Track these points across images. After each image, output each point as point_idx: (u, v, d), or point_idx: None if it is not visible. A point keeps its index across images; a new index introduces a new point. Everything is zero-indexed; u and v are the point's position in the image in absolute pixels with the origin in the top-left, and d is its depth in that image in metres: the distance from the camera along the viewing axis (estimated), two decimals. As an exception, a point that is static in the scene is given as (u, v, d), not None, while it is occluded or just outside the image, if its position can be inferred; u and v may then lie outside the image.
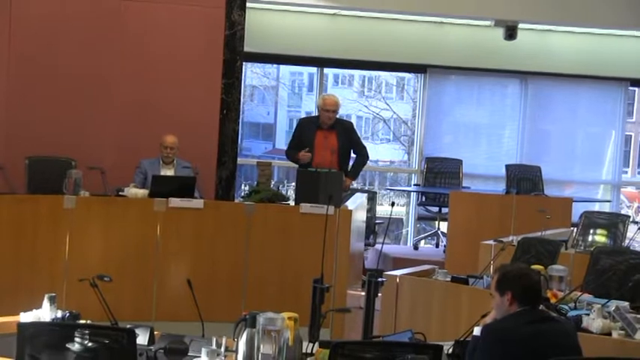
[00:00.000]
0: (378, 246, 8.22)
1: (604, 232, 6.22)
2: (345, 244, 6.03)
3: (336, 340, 3.86)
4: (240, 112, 8.06)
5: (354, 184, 8.34)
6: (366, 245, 7.87)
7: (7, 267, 5.75)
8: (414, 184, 10.05)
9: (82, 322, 3.47)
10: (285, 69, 11.44)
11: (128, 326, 3.13)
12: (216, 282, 5.97)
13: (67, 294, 5.50)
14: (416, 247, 9.55)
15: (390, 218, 6.55)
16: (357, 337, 5.03)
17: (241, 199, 6.67)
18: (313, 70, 10.33)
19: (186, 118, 7.23)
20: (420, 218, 10.13)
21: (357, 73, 11.63)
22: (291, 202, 6.35)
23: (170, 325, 4.72)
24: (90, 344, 2.80)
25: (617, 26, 9.77)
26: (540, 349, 3.25)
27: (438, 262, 7.14)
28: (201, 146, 7.23)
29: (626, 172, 11.34)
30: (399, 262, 7.86)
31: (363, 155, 7.34)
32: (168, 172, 6.70)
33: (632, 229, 6.38)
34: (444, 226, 9.03)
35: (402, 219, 10.88)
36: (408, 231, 10.44)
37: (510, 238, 6.09)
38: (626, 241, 6.18)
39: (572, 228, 6.83)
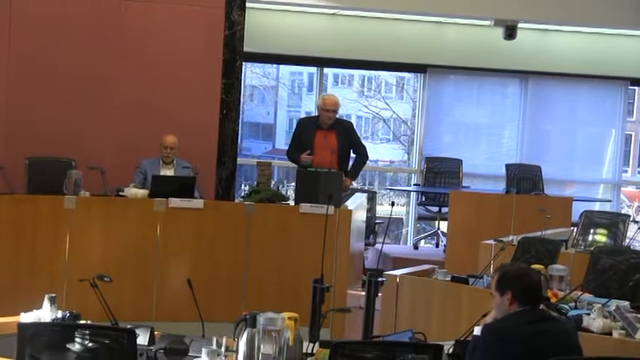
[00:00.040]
0: (378, 246, 8.22)
1: (604, 231, 6.22)
2: (345, 244, 6.03)
3: (337, 340, 3.86)
4: (240, 112, 8.06)
5: (354, 184, 8.34)
6: (366, 245, 7.87)
7: (7, 267, 5.75)
8: (414, 184, 10.05)
9: (83, 322, 3.46)
10: (285, 69, 11.44)
11: (128, 326, 3.13)
12: (217, 282, 5.97)
13: (67, 294, 5.50)
14: (416, 247, 9.55)
15: (390, 218, 6.55)
16: (357, 337, 5.03)
17: (241, 199, 6.67)
18: (313, 70, 10.33)
19: (186, 118, 7.23)
20: (420, 218, 10.13)
21: (356, 73, 11.63)
22: (291, 202, 6.35)
23: (170, 325, 4.72)
24: (90, 344, 2.79)
25: (617, 25, 9.77)
26: (541, 349, 3.25)
27: (438, 261, 7.14)
28: (201, 146, 7.23)
29: (627, 172, 11.35)
30: (399, 262, 7.86)
31: (362, 155, 7.34)
32: (168, 172, 6.70)
33: (632, 229, 6.38)
34: (444, 226, 9.03)
35: (402, 219, 10.88)
36: (408, 231, 10.44)
37: (510, 237, 6.09)
38: (627, 241, 6.18)
39: (572, 227, 6.83)
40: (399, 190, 10.91)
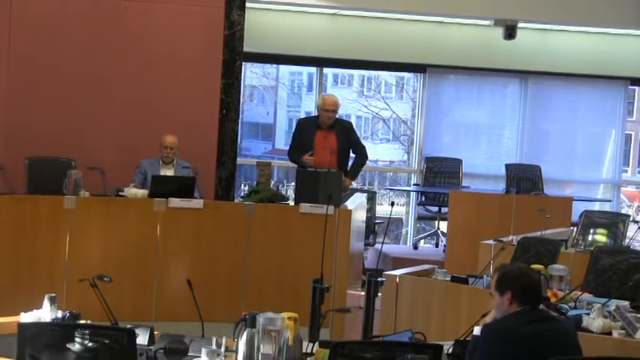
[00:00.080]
0: (377, 246, 8.21)
1: (604, 231, 6.22)
2: (344, 244, 6.03)
3: (336, 339, 3.86)
4: (240, 112, 8.06)
5: (354, 184, 8.34)
6: (365, 245, 7.87)
7: (7, 267, 5.75)
8: (414, 184, 10.05)
9: (82, 322, 3.47)
10: (285, 69, 11.44)
11: (128, 326, 3.13)
12: (216, 282, 5.97)
13: (67, 294, 5.50)
14: (416, 247, 9.55)
15: (389, 218, 6.55)
16: (356, 336, 5.04)
17: (241, 199, 6.67)
18: (313, 70, 10.33)
19: (185, 118, 7.24)
20: (419, 218, 10.13)
21: (356, 73, 11.63)
22: (291, 202, 6.35)
23: (170, 325, 4.72)
24: (90, 344, 2.80)
25: (617, 25, 9.77)
26: (540, 349, 3.25)
27: (438, 261, 7.14)
28: (200, 146, 7.23)
29: (627, 171, 11.35)
30: (399, 262, 7.86)
31: (362, 155, 7.34)
32: (168, 172, 6.70)
33: (632, 229, 6.39)
34: (443, 226, 9.03)
35: (401, 219, 10.88)
36: (407, 231, 10.44)
37: (510, 237, 6.09)
38: (627, 241, 6.18)
39: (572, 227, 6.83)
40: (399, 190, 10.91)
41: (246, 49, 7.67)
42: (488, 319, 3.54)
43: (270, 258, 6.09)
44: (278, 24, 9.61)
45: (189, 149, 6.87)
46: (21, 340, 2.83)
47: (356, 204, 6.46)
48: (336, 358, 2.89)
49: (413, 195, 10.09)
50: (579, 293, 4.60)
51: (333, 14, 9.72)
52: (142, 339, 3.45)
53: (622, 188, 10.88)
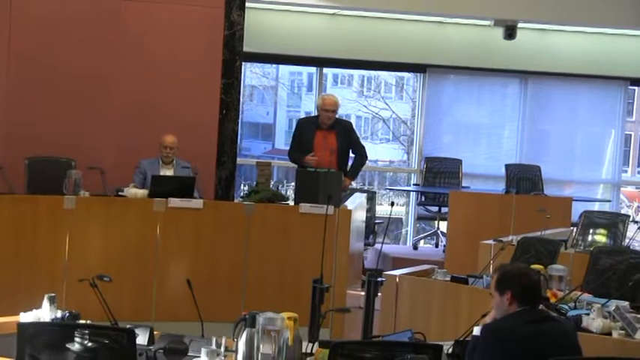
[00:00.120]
0: (377, 246, 8.21)
1: (604, 231, 6.22)
2: (344, 244, 6.03)
3: (336, 340, 3.86)
4: (240, 112, 8.06)
5: (354, 184, 8.34)
6: (365, 245, 7.87)
7: (6, 267, 5.75)
8: (414, 184, 10.05)
9: (82, 322, 3.47)
10: (285, 69, 11.44)
11: (128, 326, 3.13)
12: (216, 282, 5.97)
13: (66, 294, 5.50)
14: (415, 247, 9.55)
15: (389, 218, 6.55)
16: (356, 337, 5.04)
17: (241, 199, 6.67)
18: (312, 70, 10.33)
19: (185, 118, 7.23)
20: (419, 218, 10.14)
21: (356, 73, 11.63)
22: (291, 202, 6.35)
23: (170, 325, 4.72)
24: (90, 344, 2.80)
25: (617, 25, 9.77)
26: (540, 349, 3.25)
27: (438, 261, 7.14)
28: (200, 146, 7.23)
29: (626, 172, 11.35)
30: (399, 262, 7.86)
31: (361, 155, 7.33)
32: (168, 172, 6.70)
33: (632, 229, 6.39)
34: (443, 226, 9.03)
35: (401, 219, 10.88)
36: (407, 231, 10.45)
37: (510, 237, 6.09)
38: (626, 241, 6.18)
39: (571, 227, 6.83)
40: (399, 190, 10.91)
41: (246, 49, 7.67)
42: (488, 319, 3.54)
43: (269, 258, 6.09)
44: (278, 24, 9.61)
45: (189, 149, 6.87)
46: (20, 340, 2.83)
47: (356, 204, 6.46)
48: (336, 358, 2.88)
49: (413, 195, 10.10)
50: (579, 293, 4.60)
51: (333, 14, 9.72)
52: (141, 339, 3.45)
53: (622, 188, 10.89)
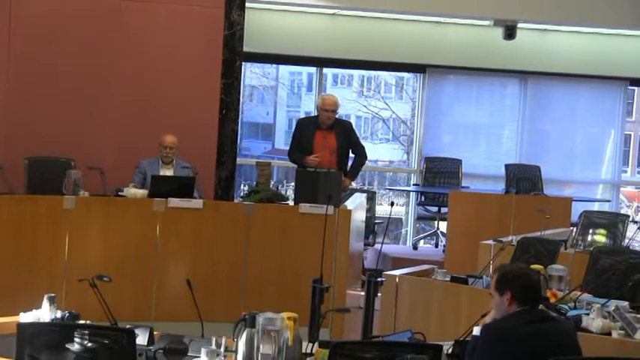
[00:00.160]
0: (377, 246, 8.21)
1: (603, 231, 6.22)
2: (344, 244, 6.03)
3: (336, 340, 3.86)
4: (240, 112, 8.06)
5: (354, 184, 8.34)
6: (365, 245, 7.87)
7: (6, 267, 5.74)
8: (414, 184, 10.05)
9: (82, 322, 3.47)
10: (285, 69, 11.44)
11: (128, 326, 3.13)
12: (216, 282, 5.97)
13: (66, 294, 5.50)
14: (415, 247, 9.55)
15: (389, 218, 6.55)
16: (356, 337, 5.04)
17: (240, 199, 6.67)
18: (312, 70, 10.33)
19: (185, 118, 7.23)
20: (419, 218, 10.14)
21: (356, 73, 11.64)
22: (291, 202, 6.35)
23: (169, 325, 4.72)
24: (89, 344, 2.80)
25: (617, 26, 9.77)
26: (540, 349, 3.26)
27: (438, 261, 7.14)
28: (200, 146, 7.23)
29: (626, 172, 11.35)
30: (399, 262, 7.86)
31: (361, 155, 7.33)
32: (168, 172, 6.70)
33: (631, 229, 6.39)
34: (443, 226, 9.03)
35: (401, 219, 10.88)
36: (407, 231, 10.45)
37: (510, 237, 6.09)
38: (626, 241, 6.18)
39: (571, 228, 6.83)
40: (399, 190, 10.91)
41: (245, 49, 7.67)
42: (487, 320, 3.54)
43: (269, 258, 6.09)
44: (278, 24, 9.61)
45: (188, 149, 6.87)
46: (20, 341, 2.83)
47: (355, 204, 6.46)
48: (336, 359, 2.88)
49: (412, 195, 10.10)
50: (579, 293, 4.60)
51: (333, 14, 9.72)
52: (141, 339, 3.45)
53: (621, 188, 10.89)
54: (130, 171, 6.69)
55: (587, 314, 4.18)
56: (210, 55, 7.39)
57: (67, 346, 2.80)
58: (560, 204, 7.96)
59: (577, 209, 7.70)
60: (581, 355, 3.38)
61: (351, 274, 6.37)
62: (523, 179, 9.06)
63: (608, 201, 10.15)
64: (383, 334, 4.54)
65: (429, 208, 9.52)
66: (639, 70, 10.17)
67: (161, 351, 3.39)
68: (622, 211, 10.49)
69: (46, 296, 3.69)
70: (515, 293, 3.40)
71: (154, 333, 3.61)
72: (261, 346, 3.09)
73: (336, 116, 7.25)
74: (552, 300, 4.49)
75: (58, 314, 3.63)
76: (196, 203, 6.11)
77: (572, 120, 10.35)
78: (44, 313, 3.66)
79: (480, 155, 10.15)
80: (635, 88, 11.36)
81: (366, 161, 7.53)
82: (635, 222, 7.56)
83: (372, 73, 11.34)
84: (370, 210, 8.22)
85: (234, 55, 7.48)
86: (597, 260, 5.07)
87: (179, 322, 5.01)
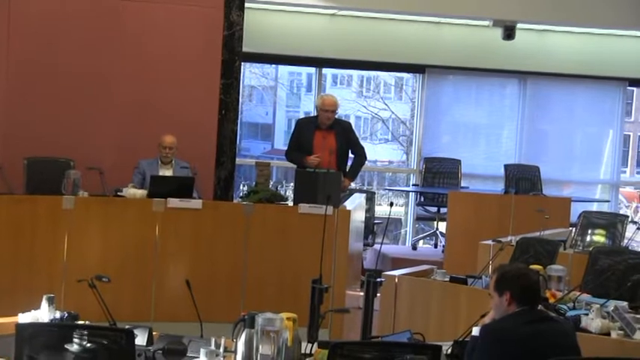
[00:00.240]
0: (376, 246, 8.21)
1: (602, 232, 6.23)
2: (343, 245, 6.03)
3: (335, 340, 3.86)
4: (239, 113, 8.06)
5: (353, 185, 8.34)
6: (364, 245, 7.87)
7: (5, 268, 5.74)
8: (413, 184, 10.05)
9: (81, 322, 3.46)
10: (284, 69, 11.44)
11: (127, 327, 3.13)
12: (215, 282, 5.97)
13: (65, 294, 5.50)
14: (414, 247, 9.55)
15: (388, 218, 6.55)
16: (355, 337, 5.03)
17: (240, 200, 6.66)
18: (312, 70, 10.33)
19: (184, 118, 7.23)
20: (418, 218, 10.14)
21: (355, 73, 11.64)
22: (290, 203, 6.35)
23: (169, 326, 4.70)
24: (88, 345, 2.79)
25: (616, 26, 9.78)
26: (539, 349, 3.26)
27: (437, 262, 7.14)
28: (199, 146, 7.23)
29: (625, 172, 11.36)
30: (398, 262, 7.86)
31: (361, 155, 7.33)
32: (167, 172, 6.70)
33: (630, 229, 6.39)
34: (442, 226, 9.03)
35: (400, 219, 10.89)
36: (406, 231, 10.45)
37: (509, 238, 6.09)
38: (625, 241, 6.18)
39: (570, 228, 6.83)
40: (398, 190, 10.91)
41: (245, 49, 7.67)
42: (487, 320, 3.54)
43: (269, 258, 6.09)
44: (277, 24, 9.61)
45: (188, 149, 6.87)
46: (19, 341, 2.82)
47: (355, 204, 6.46)
48: (335, 359, 2.88)
49: (412, 195, 10.10)
50: (578, 294, 4.61)
51: (332, 15, 9.73)
52: (140, 339, 3.45)
53: (620, 189, 10.89)
54: (129, 171, 6.68)
55: (587, 314, 4.18)
56: (210, 55, 7.39)
57: (65, 346, 2.79)
58: (560, 204, 7.96)
59: (576, 209, 7.71)
60: (580, 355, 3.38)
61: (351, 275, 6.37)
62: (522, 179, 9.07)
63: (607, 201, 10.16)
64: (382, 334, 4.55)
65: (428, 208, 9.52)
66: (638, 70, 10.17)
67: (160, 351, 3.39)
68: (621, 212, 10.50)
69: (45, 297, 3.69)
70: (515, 293, 3.40)
71: (153, 333, 3.61)
72: (260, 347, 3.09)
73: (336, 116, 7.25)
74: (551, 300, 4.50)
75: (57, 315, 3.63)
76: (195, 203, 6.11)
77: (571, 120, 10.35)
78: (43, 314, 3.65)
79: (479, 155, 10.16)
80: (634, 88, 11.37)
81: (366, 161, 7.52)
82: (634, 222, 7.56)
83: (372, 73, 11.35)
84: (369, 210, 8.22)
85: (233, 55, 7.48)
86: (596, 260, 5.07)
87: (178, 322, 5.01)
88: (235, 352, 3.23)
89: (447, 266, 6.83)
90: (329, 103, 7.13)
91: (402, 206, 11.01)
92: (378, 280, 4.26)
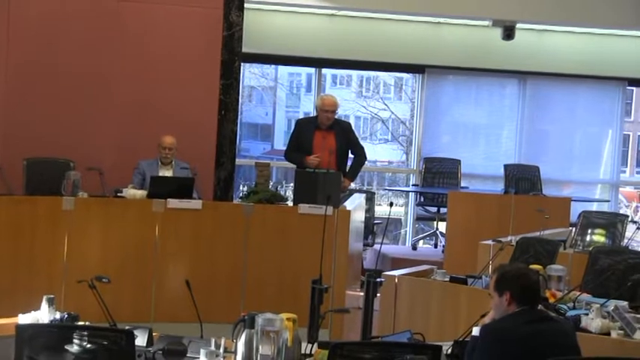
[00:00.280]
0: (376, 246, 8.21)
1: (602, 231, 6.23)
2: (343, 245, 6.03)
3: (335, 340, 3.86)
4: (239, 113, 8.06)
5: (353, 185, 8.34)
6: (364, 245, 7.87)
7: (5, 268, 5.74)
8: (413, 185, 10.05)
9: (81, 323, 3.46)
10: (283, 69, 11.45)
11: (127, 327, 3.13)
12: (215, 283, 5.97)
13: (65, 295, 5.50)
14: (414, 248, 9.55)
15: (388, 218, 6.55)
16: (355, 337, 5.03)
17: (240, 200, 6.66)
18: (311, 70, 10.33)
19: (184, 118, 7.23)
20: (418, 218, 10.14)
21: (355, 74, 11.64)
22: (290, 203, 6.35)
23: (169, 327, 4.71)
24: (88, 346, 2.79)
25: (616, 26, 9.78)
26: (539, 349, 3.26)
27: (437, 262, 7.14)
28: (199, 147, 7.23)
29: (625, 172, 11.36)
30: (398, 263, 7.86)
31: (360, 156, 7.33)
32: (167, 172, 6.70)
33: (630, 229, 6.39)
34: (442, 227, 9.03)
35: (400, 219, 10.89)
36: (406, 231, 10.45)
37: (509, 238, 6.09)
38: (625, 241, 6.18)
39: (570, 228, 6.83)
40: (398, 190, 10.91)
41: (244, 49, 7.66)
42: (487, 320, 3.54)
43: (269, 259, 6.09)
44: (277, 25, 9.61)
45: (187, 150, 6.87)
46: (19, 342, 2.83)
47: (355, 204, 6.46)
48: (335, 359, 2.88)
49: (412, 195, 10.10)
50: (578, 293, 4.61)
51: (332, 15, 9.72)
52: (140, 340, 3.45)
53: (620, 189, 10.89)
54: (129, 172, 6.68)
55: (586, 314, 4.18)
56: (209, 55, 7.39)
57: (66, 347, 2.80)
58: (559, 204, 7.96)
59: (576, 209, 7.71)
60: (580, 355, 3.38)
61: (351, 275, 6.37)
62: (522, 179, 9.07)
63: (607, 201, 10.16)
64: (382, 334, 4.55)
65: (428, 208, 9.52)
66: (638, 70, 10.17)
67: (160, 352, 3.39)
68: (621, 211, 10.50)
69: (45, 297, 3.69)
70: (515, 293, 3.40)
71: (153, 334, 3.61)
72: (260, 347, 3.09)
73: (335, 117, 7.25)
74: (551, 300, 4.50)
75: (57, 315, 3.63)
76: (195, 204, 6.11)
77: (570, 120, 10.35)
78: (43, 315, 3.66)
79: (479, 155, 10.16)
80: (634, 88, 11.37)
81: (365, 162, 7.53)
82: (634, 222, 7.56)
83: (371, 73, 11.35)
84: (369, 210, 8.22)
85: (233, 55, 7.48)
86: (596, 260, 5.07)
87: (178, 323, 5.01)
88: (235, 352, 3.23)
89: (447, 266, 6.83)
90: (329, 104, 7.13)
91: (401, 206, 11.01)
92: (378, 280, 4.26)
